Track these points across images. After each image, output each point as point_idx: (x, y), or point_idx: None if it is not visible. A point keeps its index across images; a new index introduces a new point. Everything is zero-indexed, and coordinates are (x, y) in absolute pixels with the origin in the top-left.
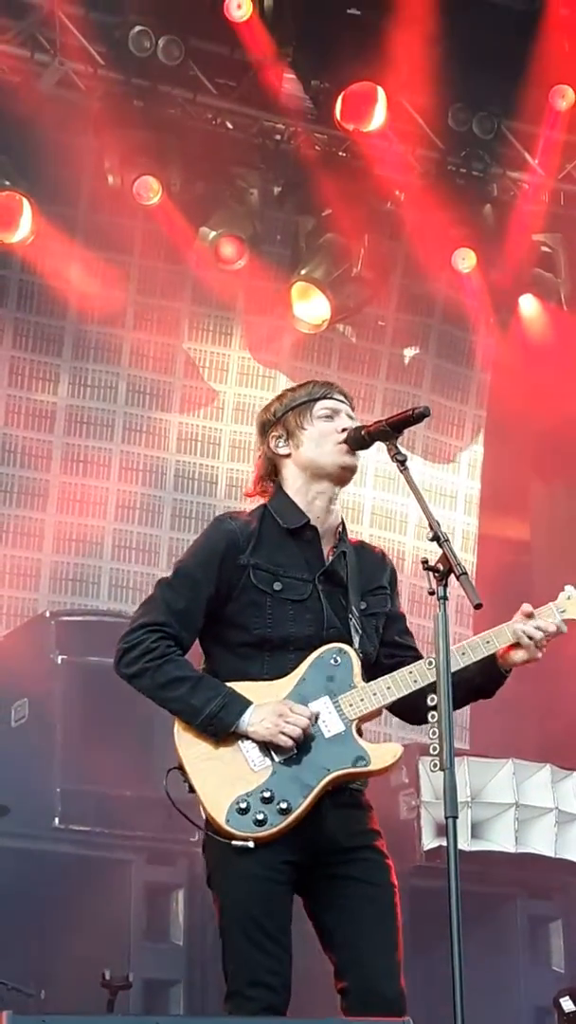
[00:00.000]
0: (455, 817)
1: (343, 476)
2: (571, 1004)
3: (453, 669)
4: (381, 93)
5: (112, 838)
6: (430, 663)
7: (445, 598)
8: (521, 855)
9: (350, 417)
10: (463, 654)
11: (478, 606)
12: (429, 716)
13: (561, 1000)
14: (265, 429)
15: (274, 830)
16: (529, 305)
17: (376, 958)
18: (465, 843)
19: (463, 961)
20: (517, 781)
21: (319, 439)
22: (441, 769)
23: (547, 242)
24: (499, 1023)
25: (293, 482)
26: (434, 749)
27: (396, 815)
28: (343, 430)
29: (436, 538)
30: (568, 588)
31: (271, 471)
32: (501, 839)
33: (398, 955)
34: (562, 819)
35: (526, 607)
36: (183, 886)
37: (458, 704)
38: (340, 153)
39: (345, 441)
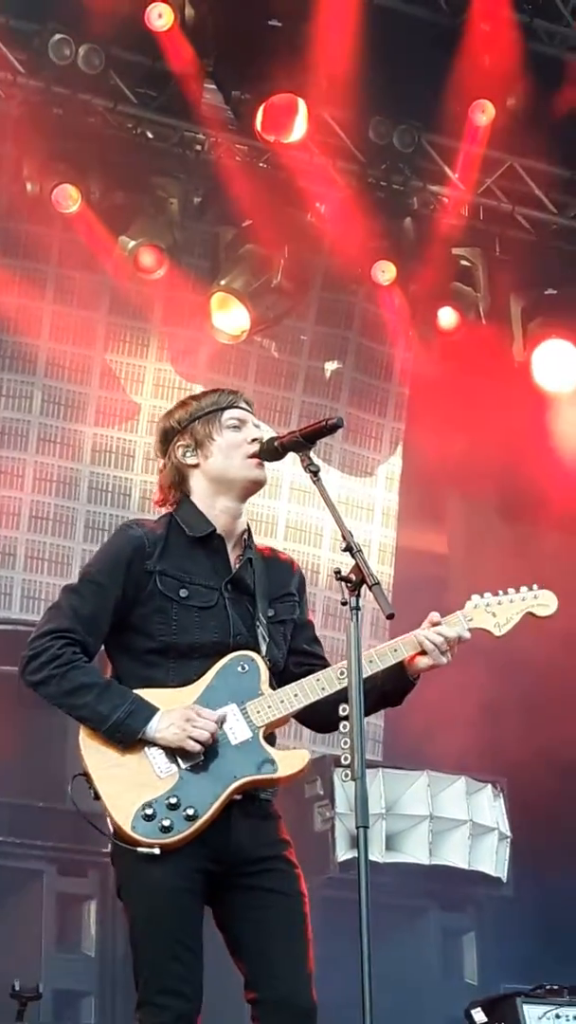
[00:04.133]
0: (366, 827)
1: (251, 489)
2: (482, 1016)
3: (362, 690)
4: (302, 105)
5: (23, 848)
6: (341, 672)
7: (358, 608)
8: (435, 867)
9: (256, 426)
10: (371, 662)
11: (391, 616)
12: (341, 727)
13: (473, 1012)
14: (169, 437)
15: (180, 836)
16: (448, 318)
17: (288, 969)
18: (379, 855)
19: (376, 972)
20: (432, 793)
21: (228, 450)
22: (352, 779)
23: (466, 256)
24: None
25: (200, 492)
26: (345, 759)
27: (311, 827)
28: (253, 440)
29: (349, 548)
30: (475, 597)
31: (178, 480)
32: (415, 851)
33: (310, 965)
34: (476, 831)
35: (433, 615)
36: (95, 897)
37: (367, 712)
38: (261, 164)
39: (258, 453)
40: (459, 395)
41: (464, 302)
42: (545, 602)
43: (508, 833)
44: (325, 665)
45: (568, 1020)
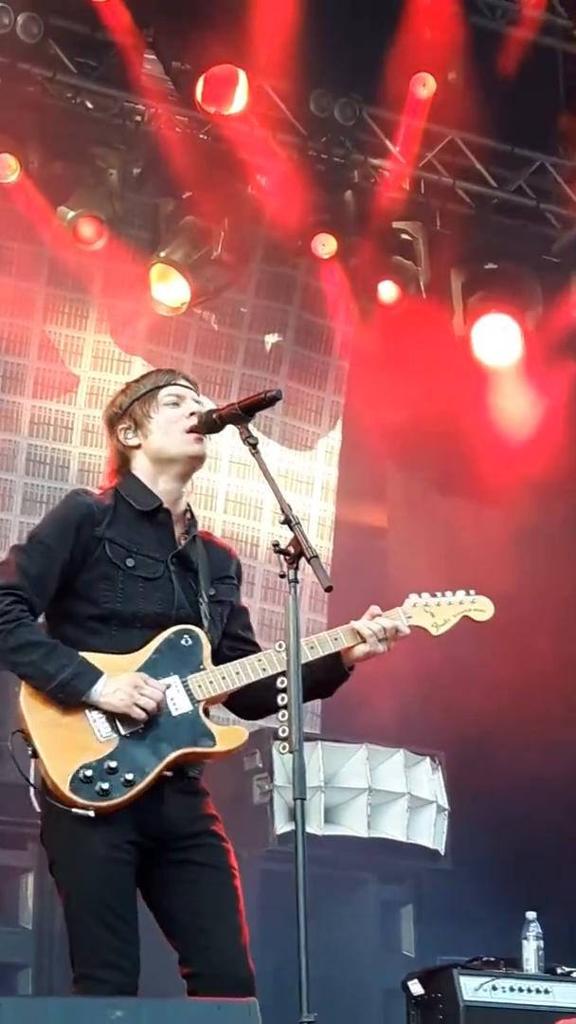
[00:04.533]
0: (303, 799)
1: (192, 464)
2: (419, 987)
3: (300, 662)
4: (242, 76)
5: None
6: (279, 648)
7: (296, 581)
8: (373, 840)
9: (197, 402)
10: (311, 648)
11: (328, 589)
12: (279, 699)
13: (409, 983)
14: (113, 423)
15: (116, 801)
16: (388, 292)
17: (223, 942)
18: (318, 828)
19: (313, 944)
20: (371, 766)
21: (166, 427)
22: (290, 752)
23: (407, 230)
24: (348, 1006)
25: (143, 471)
26: (283, 732)
27: (249, 800)
28: (191, 414)
29: (288, 521)
30: (413, 596)
31: (123, 464)
32: (354, 824)
33: (244, 938)
34: (414, 804)
35: (374, 608)
36: (32, 870)
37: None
38: (201, 136)
39: (196, 426)
40: (399, 369)
41: (404, 276)
42: (482, 607)
43: (446, 806)
44: (257, 651)
45: (504, 991)
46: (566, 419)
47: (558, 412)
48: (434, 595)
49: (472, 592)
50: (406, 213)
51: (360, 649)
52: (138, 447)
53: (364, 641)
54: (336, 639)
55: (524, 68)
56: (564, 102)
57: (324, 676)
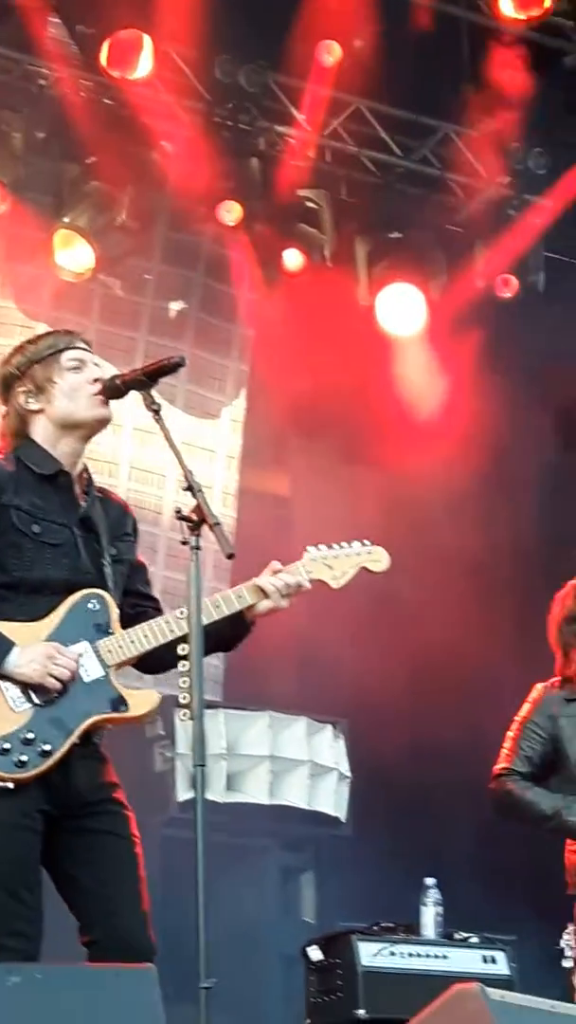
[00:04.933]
0: (203, 766)
1: (97, 428)
2: (318, 953)
3: (205, 622)
4: (148, 41)
5: None
6: (181, 615)
7: (198, 548)
8: (275, 807)
9: (96, 365)
10: (216, 607)
11: (230, 556)
12: (180, 665)
13: (308, 949)
14: (8, 384)
15: (35, 772)
16: (293, 260)
17: (124, 910)
18: (219, 795)
19: (214, 911)
20: (273, 734)
21: (71, 392)
22: (191, 719)
23: (312, 198)
24: (248, 972)
25: (43, 434)
26: (184, 699)
27: (151, 767)
28: (95, 380)
29: (190, 488)
30: (311, 549)
31: (20, 426)
32: (255, 791)
33: (144, 905)
34: (316, 771)
35: (275, 564)
36: None
37: (204, 654)
38: (106, 101)
39: (101, 392)
40: (304, 337)
41: (309, 244)
42: (378, 558)
43: (348, 773)
44: (158, 609)
45: (402, 957)
46: (470, 388)
47: (462, 381)
48: (331, 547)
49: (368, 543)
50: (311, 181)
51: (263, 605)
52: (40, 412)
53: (267, 597)
54: (240, 596)
55: (429, 37)
56: (469, 71)
57: (228, 633)
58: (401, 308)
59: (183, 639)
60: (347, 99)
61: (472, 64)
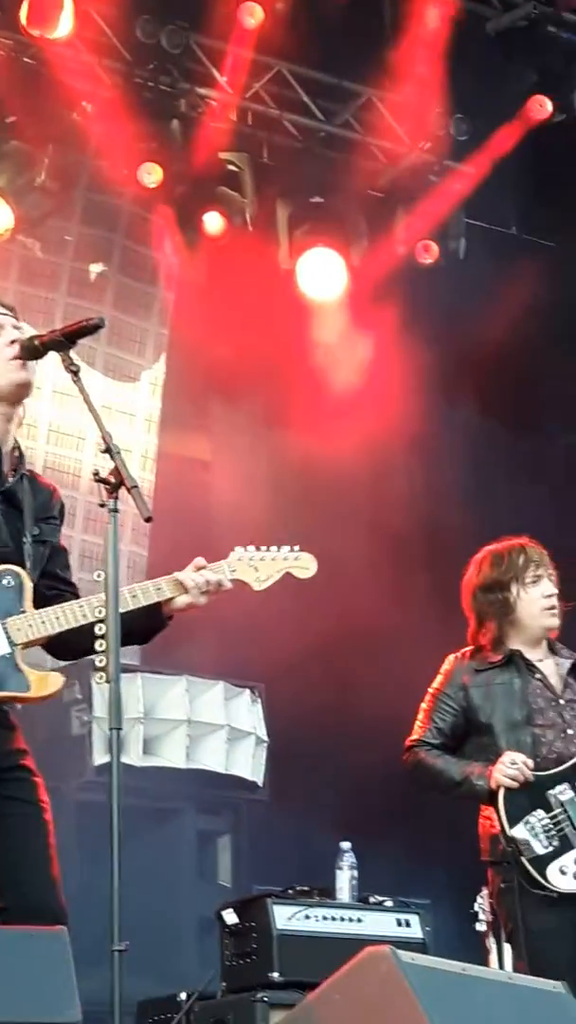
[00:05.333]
0: (119, 729)
1: (18, 393)
2: (233, 916)
3: (123, 609)
4: (68, 0)
5: None
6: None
7: (116, 511)
8: (192, 771)
9: (17, 327)
10: (134, 597)
11: (148, 519)
12: (97, 629)
13: (224, 912)
14: None
15: None
16: (214, 223)
17: (34, 876)
18: (136, 758)
19: (130, 874)
20: (190, 697)
21: None
22: (107, 682)
23: (233, 160)
24: (164, 935)
25: None
26: (100, 662)
27: (68, 731)
28: (12, 342)
29: (108, 450)
30: (238, 549)
31: None
32: (172, 755)
33: (55, 872)
34: (233, 736)
35: (199, 560)
36: None
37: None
38: (26, 60)
39: (19, 354)
40: (224, 301)
41: (230, 207)
42: (305, 565)
43: (265, 738)
44: (76, 594)
45: (317, 920)
46: (390, 353)
47: (382, 347)
48: (259, 549)
49: (297, 548)
50: (232, 144)
51: (181, 600)
52: None
53: (187, 592)
54: (159, 589)
55: (352, 1)
56: (391, 36)
57: (143, 624)
58: (322, 273)
59: (99, 622)
60: (269, 62)
61: (394, 29)
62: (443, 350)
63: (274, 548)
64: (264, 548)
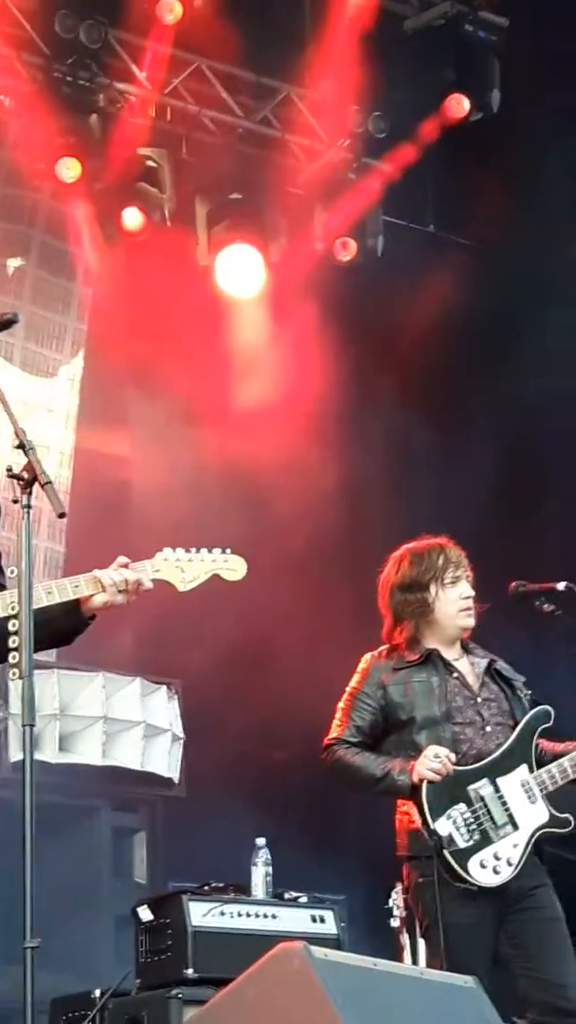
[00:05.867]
0: (32, 726)
1: None
2: (148, 913)
3: (38, 606)
4: None
5: None
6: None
7: (29, 507)
8: (108, 768)
9: None
10: (49, 593)
11: (62, 515)
12: (10, 625)
13: (139, 910)
14: None
15: None
16: (133, 219)
17: None
18: (52, 755)
19: (45, 872)
20: (107, 694)
21: None
22: (20, 677)
23: (152, 156)
24: (79, 933)
25: None
26: (14, 657)
27: None
28: None
29: (22, 446)
30: (166, 550)
31: None
32: (88, 752)
33: None
34: (150, 732)
35: (122, 559)
36: None
37: (39, 646)
38: None
39: None
40: (143, 297)
41: (149, 203)
42: (234, 567)
43: (181, 735)
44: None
45: (232, 917)
46: (308, 350)
47: (300, 343)
48: (187, 551)
49: (227, 551)
50: (151, 140)
51: (99, 599)
52: None
53: (104, 590)
54: (76, 586)
55: None
56: (310, 33)
57: (63, 624)
58: (240, 269)
59: (11, 618)
60: (188, 58)
61: (313, 26)
62: (362, 346)
63: (204, 550)
64: (193, 550)
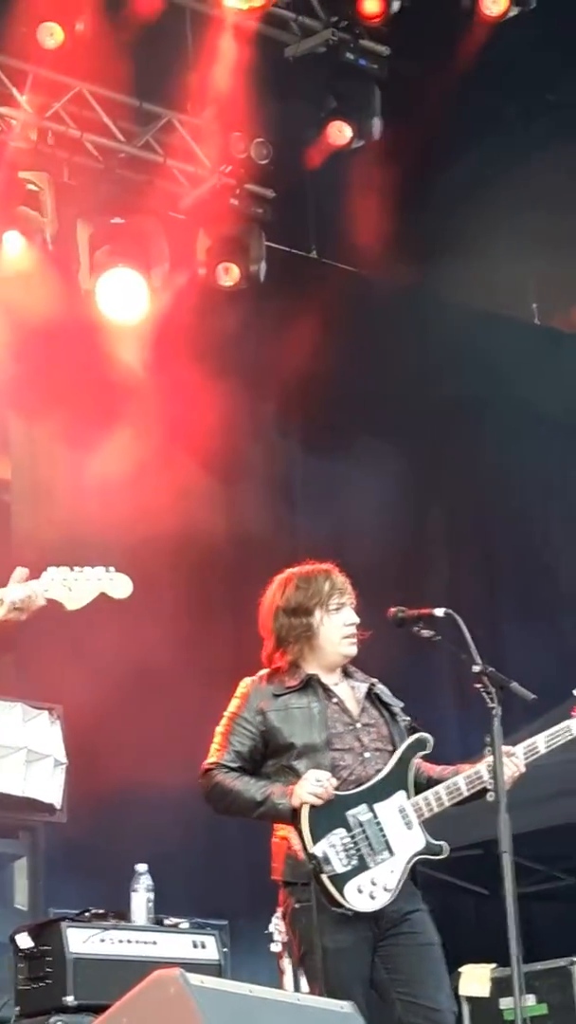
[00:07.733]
0: None
1: None
2: (28, 941)
3: None
4: None
5: None
6: None
7: None
8: None
9: None
10: None
11: None
12: None
13: (17, 937)
14: None
15: None
16: (14, 243)
17: None
18: None
19: None
20: None
21: None
22: None
23: (34, 180)
24: None
25: None
26: None
27: None
28: None
29: None
30: (51, 570)
31: None
32: None
33: None
34: (31, 757)
35: (22, 570)
36: None
37: None
38: None
39: None
40: (24, 321)
41: (30, 227)
42: (120, 585)
43: (63, 760)
44: None
45: (112, 943)
46: (191, 375)
47: (182, 368)
48: (72, 569)
49: (112, 569)
50: (33, 163)
51: None
52: None
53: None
54: None
55: (153, 23)
56: (192, 59)
57: None
58: (122, 294)
59: None
60: (69, 82)
61: (195, 52)
62: (243, 372)
63: (88, 568)
64: (78, 568)
